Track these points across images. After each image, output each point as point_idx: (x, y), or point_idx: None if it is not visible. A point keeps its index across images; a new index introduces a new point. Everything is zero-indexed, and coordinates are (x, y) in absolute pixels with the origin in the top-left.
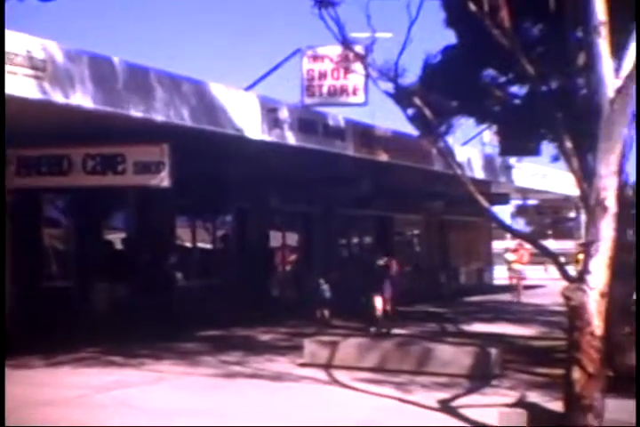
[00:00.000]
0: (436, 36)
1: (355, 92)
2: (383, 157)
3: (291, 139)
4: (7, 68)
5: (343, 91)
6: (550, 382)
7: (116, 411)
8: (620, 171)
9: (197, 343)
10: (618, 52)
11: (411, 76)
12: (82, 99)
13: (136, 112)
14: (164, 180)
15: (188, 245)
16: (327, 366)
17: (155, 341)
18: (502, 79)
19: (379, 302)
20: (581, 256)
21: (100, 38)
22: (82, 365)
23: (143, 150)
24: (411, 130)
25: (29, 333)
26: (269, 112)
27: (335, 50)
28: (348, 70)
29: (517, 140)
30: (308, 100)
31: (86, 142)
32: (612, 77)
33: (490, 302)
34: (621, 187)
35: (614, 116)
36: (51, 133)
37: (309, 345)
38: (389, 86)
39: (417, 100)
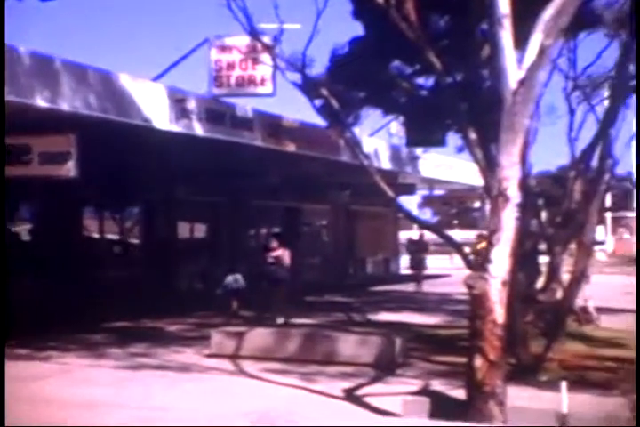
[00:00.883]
0: (346, 28)
1: (263, 83)
2: (291, 148)
3: (199, 129)
4: None
5: (251, 81)
6: (453, 370)
7: (16, 404)
8: (523, 161)
9: (104, 335)
10: (521, 44)
11: (319, 68)
12: None
13: (42, 102)
14: (70, 170)
15: (96, 236)
16: (234, 357)
17: (61, 333)
18: (409, 71)
19: (273, 293)
20: (480, 246)
21: (7, 28)
22: None
23: (49, 141)
24: (319, 121)
25: None
26: (177, 102)
27: (243, 40)
28: (256, 61)
29: (424, 131)
30: (216, 91)
31: None
32: (514, 69)
33: (396, 291)
34: (524, 177)
35: (516, 107)
36: None
37: (216, 336)
38: (297, 77)
39: (324, 91)
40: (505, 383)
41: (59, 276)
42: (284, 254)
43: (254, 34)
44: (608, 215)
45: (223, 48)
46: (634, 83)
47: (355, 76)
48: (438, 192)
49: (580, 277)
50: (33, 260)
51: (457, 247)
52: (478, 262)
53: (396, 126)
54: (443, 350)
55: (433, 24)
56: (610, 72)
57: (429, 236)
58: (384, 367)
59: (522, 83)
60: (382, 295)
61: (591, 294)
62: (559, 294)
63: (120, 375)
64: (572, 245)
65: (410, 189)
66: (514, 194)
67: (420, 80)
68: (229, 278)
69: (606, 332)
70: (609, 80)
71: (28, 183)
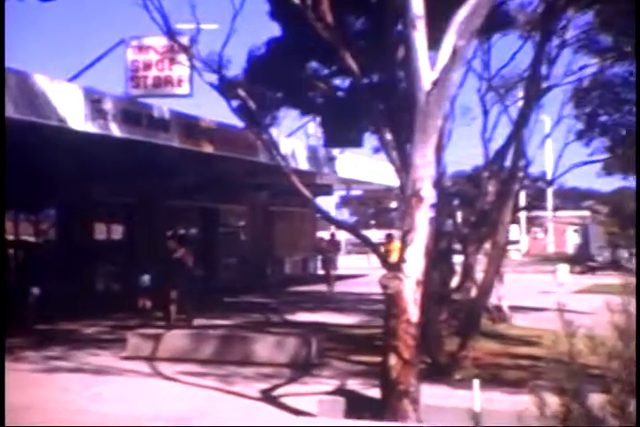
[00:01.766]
0: (263, 29)
1: (180, 84)
2: (208, 149)
3: (115, 130)
4: None
5: (168, 82)
6: (369, 369)
7: None
8: (438, 162)
9: (20, 338)
10: (436, 45)
11: (236, 68)
12: None
13: None
14: None
15: (11, 238)
16: (151, 359)
17: None
18: (326, 71)
19: (173, 294)
20: (392, 247)
21: None
22: None
23: None
24: (236, 121)
25: None
26: (93, 103)
27: (160, 41)
28: (173, 61)
29: (340, 132)
30: (132, 91)
31: None
32: (428, 70)
33: (314, 291)
34: (439, 178)
35: (429, 108)
36: None
37: (132, 338)
38: (215, 78)
39: (241, 92)
40: (419, 382)
41: None
42: (183, 255)
43: (171, 34)
44: (522, 215)
45: (140, 48)
46: (546, 85)
47: (272, 76)
48: (356, 193)
49: (493, 277)
50: None
51: (373, 247)
52: (388, 262)
53: (313, 127)
54: (359, 349)
55: (349, 25)
56: (523, 73)
57: (347, 236)
58: (300, 368)
59: (435, 84)
60: (300, 296)
61: (505, 293)
62: (473, 293)
63: (36, 378)
64: (487, 245)
65: (327, 190)
66: (428, 194)
67: (337, 81)
68: (142, 278)
69: (519, 330)
70: (522, 81)
71: None
